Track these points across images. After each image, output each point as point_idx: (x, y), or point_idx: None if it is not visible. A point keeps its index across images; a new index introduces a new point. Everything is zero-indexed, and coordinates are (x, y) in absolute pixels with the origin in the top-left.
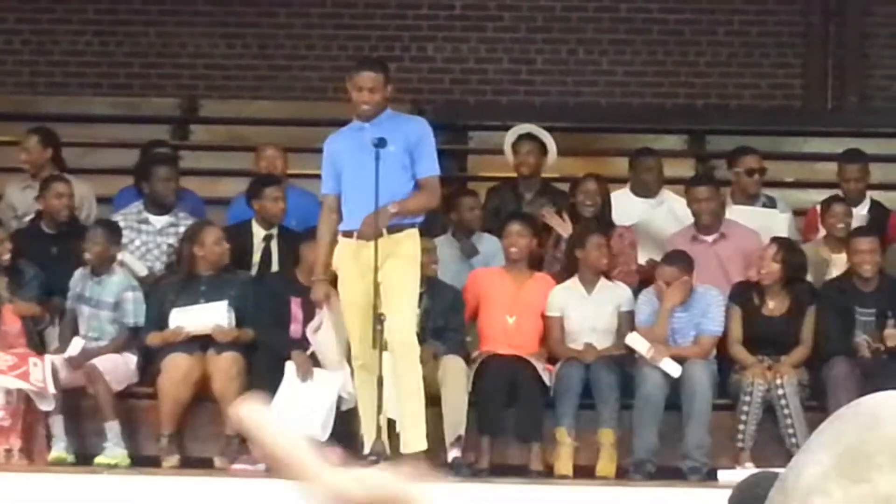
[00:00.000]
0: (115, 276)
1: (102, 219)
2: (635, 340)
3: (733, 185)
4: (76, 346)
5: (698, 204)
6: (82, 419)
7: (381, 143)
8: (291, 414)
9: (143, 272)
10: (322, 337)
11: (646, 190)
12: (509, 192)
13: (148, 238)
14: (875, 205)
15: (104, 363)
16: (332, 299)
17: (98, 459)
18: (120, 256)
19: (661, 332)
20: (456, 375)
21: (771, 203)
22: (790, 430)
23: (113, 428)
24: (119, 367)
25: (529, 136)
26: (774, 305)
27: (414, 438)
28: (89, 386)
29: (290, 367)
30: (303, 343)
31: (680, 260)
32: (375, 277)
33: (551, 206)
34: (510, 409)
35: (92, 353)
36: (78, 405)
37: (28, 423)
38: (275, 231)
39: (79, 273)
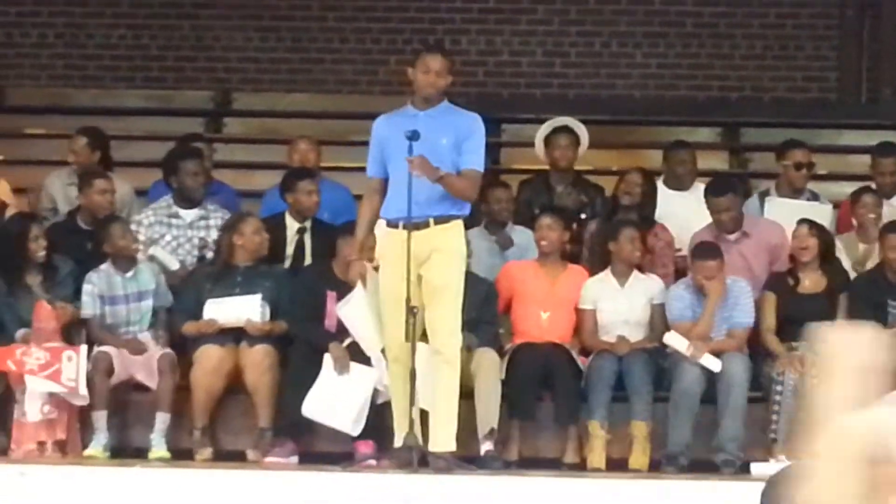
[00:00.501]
0: (142, 264)
1: (113, 215)
2: (673, 339)
3: (780, 178)
4: (145, 335)
5: (718, 214)
6: (121, 413)
7: (413, 136)
8: (328, 406)
9: (175, 266)
10: (351, 312)
11: (679, 183)
12: (541, 185)
13: (179, 232)
14: None
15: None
16: (368, 281)
17: (152, 454)
18: (151, 251)
19: (705, 329)
20: (489, 368)
21: (815, 197)
22: None
23: (165, 419)
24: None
25: (565, 129)
26: (810, 283)
27: (445, 438)
28: (158, 376)
29: (327, 360)
30: (339, 336)
31: (715, 253)
32: (408, 267)
33: (583, 198)
34: (542, 401)
35: (142, 343)
36: (117, 399)
37: (66, 416)
38: (308, 224)
39: (96, 276)
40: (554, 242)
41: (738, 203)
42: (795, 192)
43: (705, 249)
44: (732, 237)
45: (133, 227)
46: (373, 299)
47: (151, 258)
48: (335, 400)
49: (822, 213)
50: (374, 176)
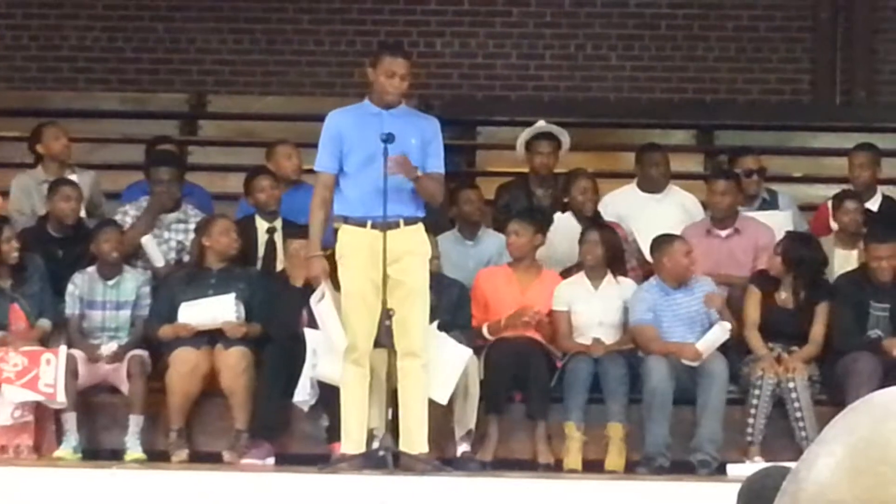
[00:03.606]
0: (128, 273)
1: (108, 218)
2: (712, 339)
3: None
4: (110, 347)
5: (714, 197)
6: (94, 415)
7: (389, 138)
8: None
9: (160, 263)
10: (325, 308)
11: (652, 185)
12: (520, 189)
13: (157, 233)
14: (886, 199)
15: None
16: (328, 280)
17: (127, 456)
18: (143, 240)
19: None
20: (469, 371)
21: (772, 199)
22: (801, 425)
23: (138, 422)
24: None
25: (547, 135)
26: (786, 297)
27: (419, 440)
28: (127, 380)
29: (310, 336)
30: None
31: (676, 237)
32: (384, 269)
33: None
34: (514, 402)
35: (118, 350)
36: (90, 402)
37: (38, 418)
38: (278, 224)
39: (80, 278)
40: (522, 247)
41: (734, 191)
42: (748, 199)
43: (664, 238)
44: (724, 233)
45: (118, 216)
46: (338, 299)
47: (139, 249)
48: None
49: (779, 220)
50: (328, 171)
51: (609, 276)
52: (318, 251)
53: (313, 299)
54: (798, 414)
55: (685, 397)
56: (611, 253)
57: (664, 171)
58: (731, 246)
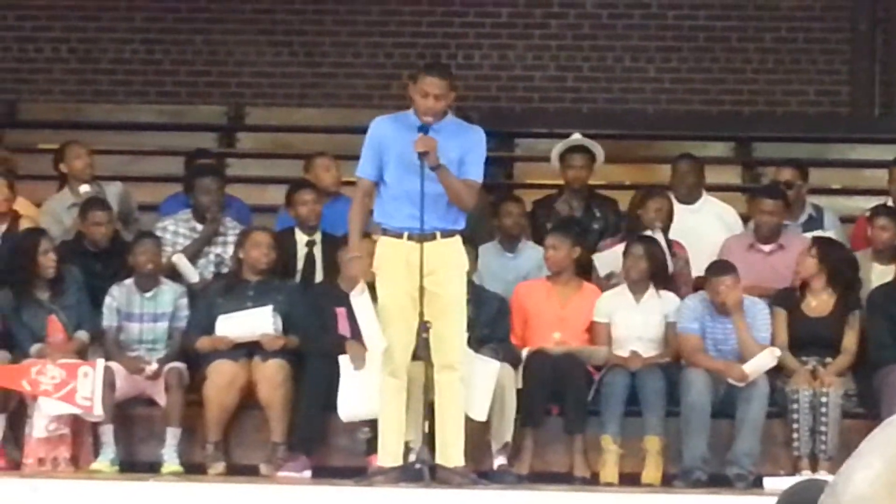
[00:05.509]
0: (165, 286)
1: (145, 231)
2: (758, 362)
3: None
4: (153, 365)
5: (762, 216)
6: (131, 428)
7: (424, 131)
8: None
9: (195, 279)
10: (362, 304)
11: (686, 195)
12: (561, 204)
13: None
14: None
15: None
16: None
17: (164, 468)
18: (174, 258)
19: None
20: (505, 384)
21: (818, 215)
22: (823, 438)
23: (176, 434)
24: None
25: (580, 148)
26: (817, 305)
27: (456, 453)
28: (165, 392)
29: (344, 361)
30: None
31: (729, 268)
32: (422, 282)
33: (596, 212)
34: (552, 415)
35: (140, 364)
36: (127, 414)
37: (75, 430)
38: (318, 237)
39: (118, 290)
40: (560, 261)
41: (782, 210)
42: (793, 213)
43: (720, 266)
44: (767, 248)
45: (158, 232)
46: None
47: (172, 267)
48: (360, 397)
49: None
50: (368, 178)
51: (651, 290)
52: (357, 252)
53: (354, 293)
54: (823, 427)
55: (724, 411)
56: (655, 267)
57: (696, 181)
58: (774, 261)
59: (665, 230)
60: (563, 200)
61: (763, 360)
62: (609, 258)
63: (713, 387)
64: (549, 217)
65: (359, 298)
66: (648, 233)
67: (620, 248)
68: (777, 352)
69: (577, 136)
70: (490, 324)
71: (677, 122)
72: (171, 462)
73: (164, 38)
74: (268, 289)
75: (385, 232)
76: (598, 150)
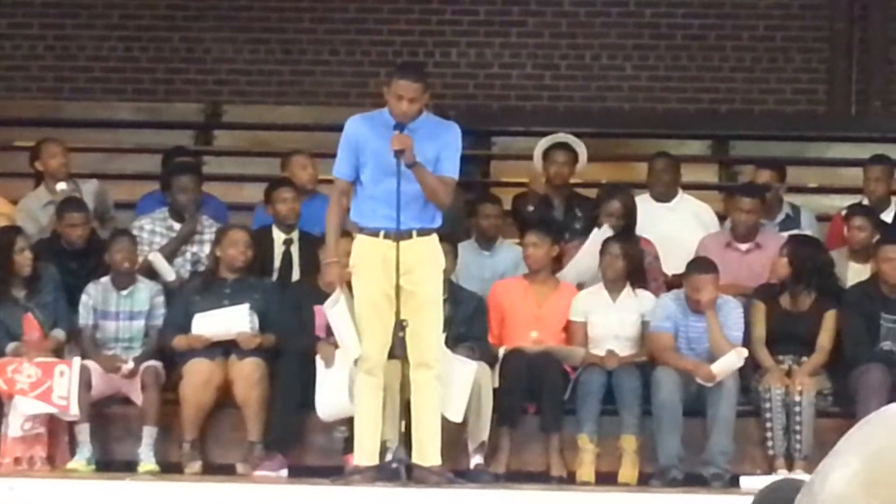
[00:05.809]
0: (141, 284)
1: (122, 229)
2: (725, 363)
3: None
4: (129, 364)
5: (739, 214)
6: (108, 427)
7: (397, 126)
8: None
9: (171, 276)
10: (337, 313)
11: (662, 193)
12: (539, 202)
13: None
14: None
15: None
16: (345, 286)
17: (141, 467)
18: (150, 256)
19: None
20: (482, 382)
21: (795, 215)
22: (797, 438)
23: (152, 433)
24: None
25: (563, 146)
26: (796, 301)
27: (433, 452)
28: (141, 391)
29: (321, 360)
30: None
31: (711, 267)
32: (397, 280)
33: (577, 212)
34: (528, 414)
35: (117, 361)
36: (103, 413)
37: (51, 429)
38: (295, 235)
39: (94, 288)
40: (540, 259)
41: (759, 209)
42: (769, 212)
43: (701, 263)
44: (744, 247)
45: (135, 231)
46: (349, 306)
47: (149, 265)
48: (339, 394)
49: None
50: (344, 178)
51: (628, 289)
52: (333, 257)
53: (327, 304)
54: (797, 427)
55: (696, 409)
56: (632, 266)
57: (672, 179)
58: (750, 260)
59: (628, 228)
60: (545, 198)
61: (730, 361)
62: (576, 270)
63: (684, 385)
64: (531, 214)
65: (333, 309)
66: (598, 230)
67: (583, 254)
68: (744, 352)
69: (562, 134)
70: (467, 322)
71: (654, 120)
72: (147, 461)
73: (142, 36)
74: (244, 287)
75: (361, 231)
76: (583, 149)
